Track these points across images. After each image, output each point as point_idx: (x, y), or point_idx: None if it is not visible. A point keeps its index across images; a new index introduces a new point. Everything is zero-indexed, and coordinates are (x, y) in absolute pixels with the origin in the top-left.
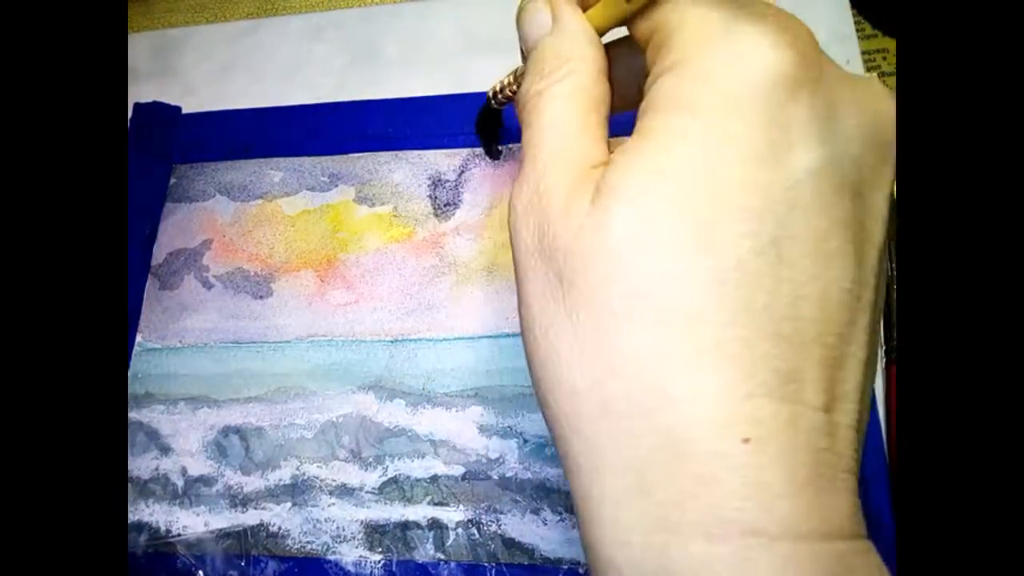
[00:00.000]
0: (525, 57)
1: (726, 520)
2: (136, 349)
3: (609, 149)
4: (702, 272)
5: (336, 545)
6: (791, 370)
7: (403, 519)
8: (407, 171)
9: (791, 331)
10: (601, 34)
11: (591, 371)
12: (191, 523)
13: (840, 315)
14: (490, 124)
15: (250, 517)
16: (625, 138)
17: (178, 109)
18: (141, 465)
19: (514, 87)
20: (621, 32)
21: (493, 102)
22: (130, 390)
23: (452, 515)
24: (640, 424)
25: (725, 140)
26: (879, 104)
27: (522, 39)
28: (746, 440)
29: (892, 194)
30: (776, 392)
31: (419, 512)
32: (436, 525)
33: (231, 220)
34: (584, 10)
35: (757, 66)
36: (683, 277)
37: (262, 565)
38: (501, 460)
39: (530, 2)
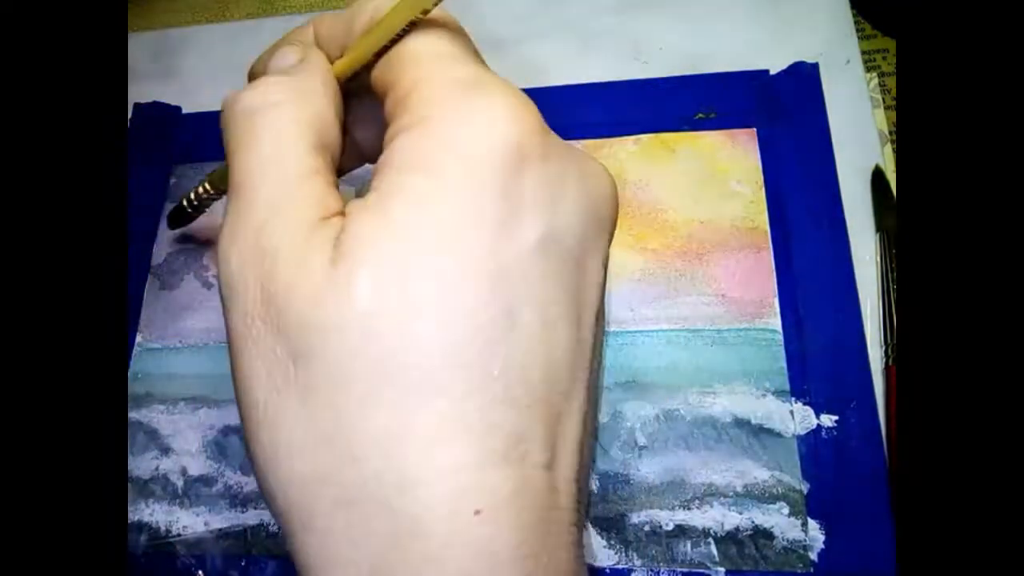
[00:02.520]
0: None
1: None
2: (136, 349)
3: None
4: (447, 341)
5: None
6: (519, 434)
7: None
8: None
9: (521, 395)
10: (341, 81)
11: (327, 459)
12: (191, 523)
13: (562, 374)
14: (183, 221)
15: (250, 517)
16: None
17: (178, 109)
18: (141, 465)
19: (211, 193)
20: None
21: (189, 207)
22: (130, 390)
23: None
24: (377, 510)
25: (464, 206)
26: (599, 180)
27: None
28: (477, 512)
29: (606, 260)
30: (505, 458)
31: None
32: None
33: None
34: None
35: (492, 135)
36: (428, 348)
37: (262, 565)
38: None
39: (282, 43)
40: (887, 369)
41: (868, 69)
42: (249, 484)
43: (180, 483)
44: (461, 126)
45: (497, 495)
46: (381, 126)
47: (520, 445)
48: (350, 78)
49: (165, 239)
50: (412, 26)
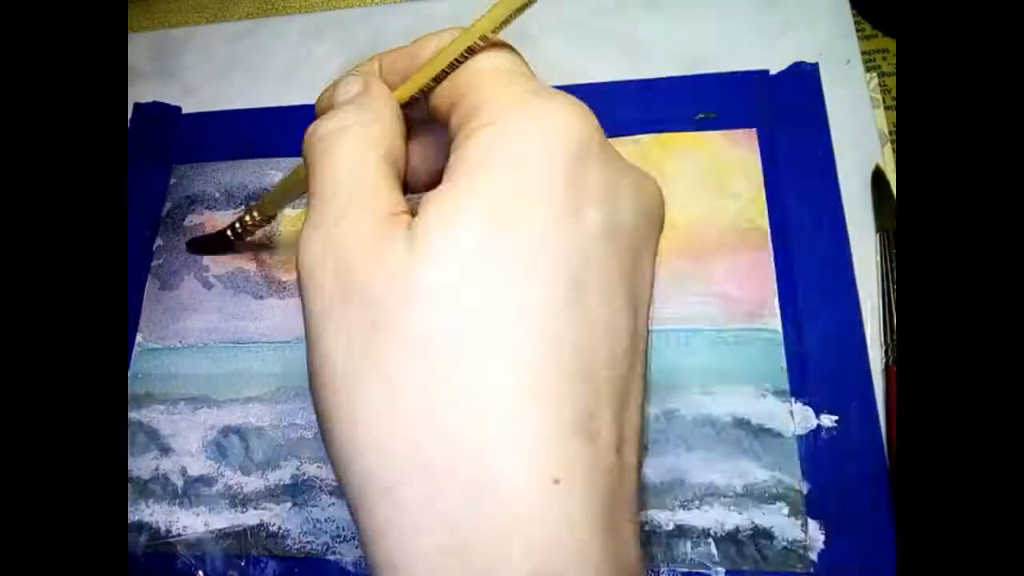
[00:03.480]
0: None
1: (539, 569)
2: (136, 349)
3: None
4: (520, 311)
5: (336, 545)
6: (590, 411)
7: None
8: None
9: (590, 373)
10: (403, 106)
11: (405, 426)
12: (191, 523)
13: (624, 361)
14: (214, 248)
15: (250, 517)
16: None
17: (178, 109)
18: (141, 465)
19: (257, 220)
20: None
21: (232, 235)
22: (130, 390)
23: None
24: (456, 477)
25: (534, 193)
26: (649, 183)
27: (333, 106)
28: (556, 481)
29: (655, 259)
30: (579, 432)
31: None
32: None
33: (231, 220)
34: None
35: (560, 133)
36: (503, 314)
37: (262, 565)
38: None
39: (346, 75)
40: (887, 369)
41: (868, 69)
42: (249, 484)
43: (180, 483)
44: (532, 125)
45: (574, 467)
46: (428, 157)
47: (591, 423)
48: (408, 103)
49: (165, 239)
50: (471, 52)
